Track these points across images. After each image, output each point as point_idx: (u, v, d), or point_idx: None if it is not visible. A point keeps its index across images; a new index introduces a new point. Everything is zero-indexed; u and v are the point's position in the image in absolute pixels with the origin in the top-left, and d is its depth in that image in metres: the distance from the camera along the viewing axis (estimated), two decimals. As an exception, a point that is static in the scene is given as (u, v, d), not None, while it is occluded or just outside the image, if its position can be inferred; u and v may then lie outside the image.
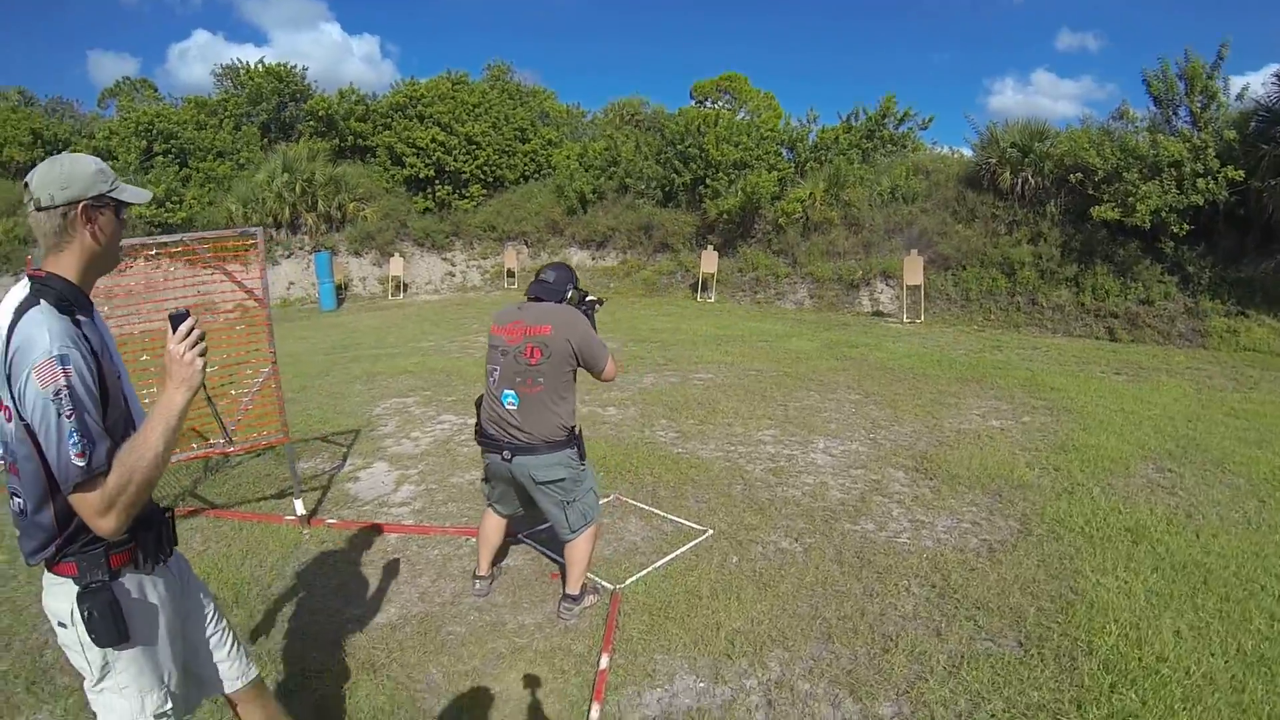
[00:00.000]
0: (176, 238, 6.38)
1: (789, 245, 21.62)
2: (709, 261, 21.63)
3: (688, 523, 6.20)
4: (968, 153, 21.58)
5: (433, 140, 27.83)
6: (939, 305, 18.37)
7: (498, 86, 32.21)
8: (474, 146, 28.11)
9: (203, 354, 2.22)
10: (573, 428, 4.55)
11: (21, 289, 2.22)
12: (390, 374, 12.49)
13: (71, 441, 2.03)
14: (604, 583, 5.17)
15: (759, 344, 14.41)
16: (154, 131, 27.76)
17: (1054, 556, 5.43)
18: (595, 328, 4.70)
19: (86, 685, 2.41)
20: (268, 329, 6.44)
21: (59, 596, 2.30)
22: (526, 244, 27.35)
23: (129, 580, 2.35)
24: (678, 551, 5.65)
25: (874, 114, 24.76)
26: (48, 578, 2.32)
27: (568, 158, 28.20)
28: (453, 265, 27.87)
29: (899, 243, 19.99)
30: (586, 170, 26.96)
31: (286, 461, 6.79)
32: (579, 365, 4.49)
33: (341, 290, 26.21)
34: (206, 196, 27.26)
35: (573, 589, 4.76)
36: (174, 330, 2.20)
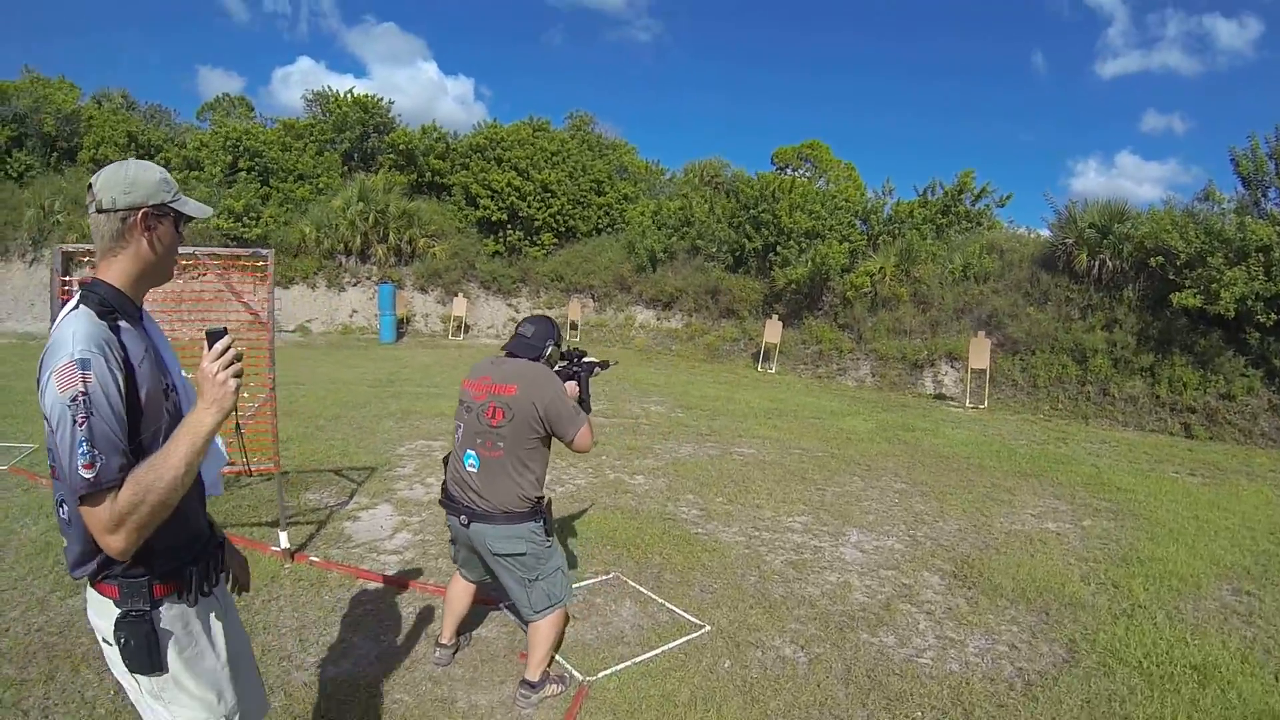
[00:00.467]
0: (190, 250, 6.25)
1: (855, 320, 20.83)
2: (773, 331, 20.89)
3: (685, 614, 5.52)
4: (1045, 233, 20.58)
5: (508, 184, 27.77)
6: (1004, 391, 17.33)
7: (578, 136, 32.18)
8: (549, 194, 27.98)
9: (238, 375, 2.10)
10: (538, 499, 4.16)
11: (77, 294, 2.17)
12: (426, 414, 12.34)
13: (81, 451, 1.92)
14: (574, 671, 4.63)
15: (811, 420, 13.57)
16: (240, 147, 28.22)
17: (1103, 696, 4.55)
18: (587, 391, 4.58)
19: (138, 701, 2.31)
20: (269, 354, 6.24)
21: (102, 614, 2.21)
22: (593, 297, 27.00)
23: (171, 611, 2.25)
24: (666, 647, 5.00)
25: (951, 189, 23.92)
26: (91, 593, 2.23)
27: (642, 214, 27.92)
28: (516, 311, 27.55)
29: (967, 323, 19.08)
30: (659, 228, 26.60)
31: (277, 492, 6.47)
32: (546, 432, 4.10)
33: (403, 324, 26.13)
34: (283, 216, 27.67)
35: (532, 675, 4.28)
36: (209, 347, 2.09)
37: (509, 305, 27.72)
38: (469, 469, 4.10)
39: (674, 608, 5.61)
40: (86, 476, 1.92)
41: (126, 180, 2.18)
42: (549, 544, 4.21)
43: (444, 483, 4.31)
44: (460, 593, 4.63)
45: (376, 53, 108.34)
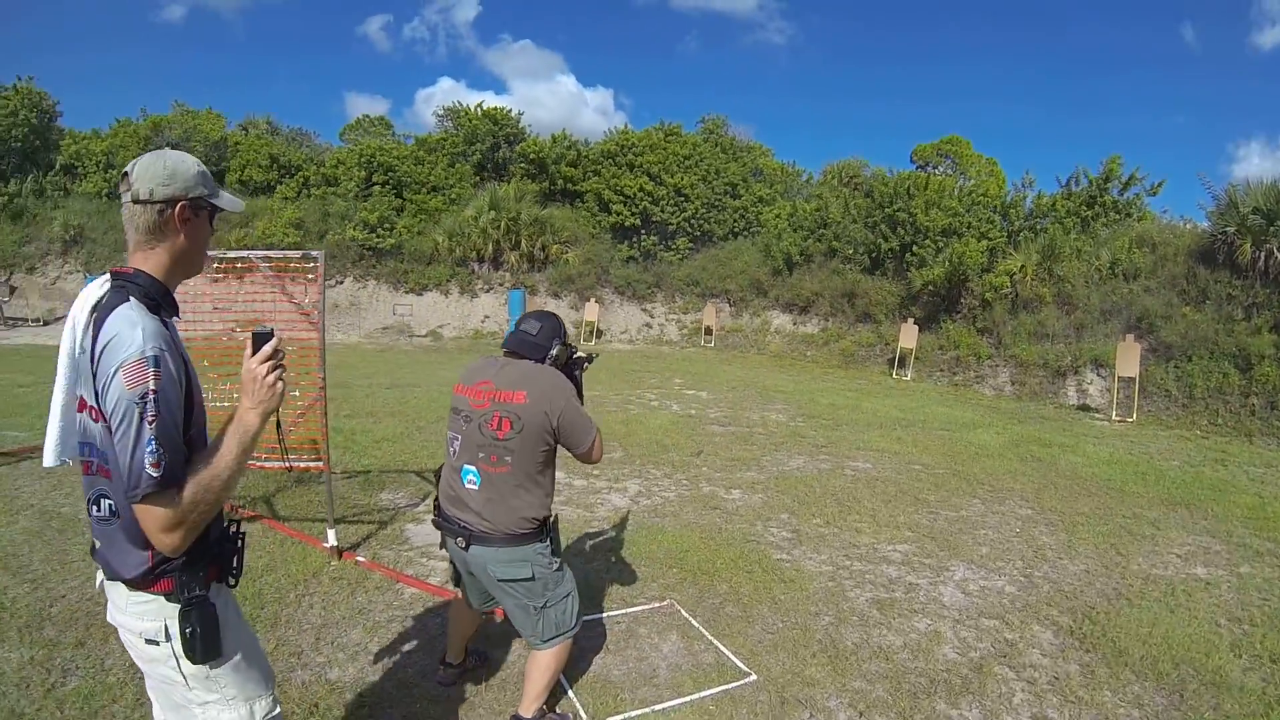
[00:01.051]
0: (244, 253, 6.50)
1: (994, 323, 19.23)
2: (908, 336, 19.57)
3: (734, 658, 4.77)
4: (1202, 224, 18.38)
5: (640, 190, 27.29)
6: (1155, 402, 15.34)
7: (711, 139, 31.45)
8: (682, 198, 27.38)
9: (282, 376, 2.16)
10: (544, 519, 3.68)
11: (100, 286, 2.20)
12: None
13: (150, 449, 1.94)
14: (581, 711, 4.16)
15: (939, 432, 12.36)
16: (375, 163, 29.17)
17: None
18: (581, 393, 3.88)
19: (187, 699, 2.32)
20: (319, 354, 6.18)
21: (147, 615, 2.19)
22: (729, 302, 26.14)
23: (220, 595, 2.29)
24: (697, 695, 4.34)
25: (1096, 178, 21.81)
26: (130, 596, 2.19)
27: (778, 216, 26.95)
28: (651, 316, 27.06)
29: (1115, 326, 17.16)
30: (795, 230, 25.56)
31: (326, 490, 6.41)
32: (557, 443, 3.64)
33: None
34: (417, 226, 28.34)
35: (526, 710, 3.83)
36: (256, 349, 2.13)
37: (644, 310, 27.22)
38: (468, 486, 3.61)
39: (723, 648, 4.89)
40: (154, 475, 1.93)
41: (166, 171, 2.15)
42: (557, 566, 3.76)
43: (436, 499, 3.84)
44: (462, 613, 4.23)
45: (515, 69, 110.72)
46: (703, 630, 5.09)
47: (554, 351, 3.72)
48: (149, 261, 2.17)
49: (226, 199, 2.35)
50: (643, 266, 27.62)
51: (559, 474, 8.16)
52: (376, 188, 28.95)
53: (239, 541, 2.40)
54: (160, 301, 2.15)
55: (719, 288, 26.19)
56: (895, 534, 7.24)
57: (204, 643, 2.18)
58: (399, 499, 7.77)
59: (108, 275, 2.21)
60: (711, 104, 71.64)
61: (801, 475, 9.28)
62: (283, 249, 26.91)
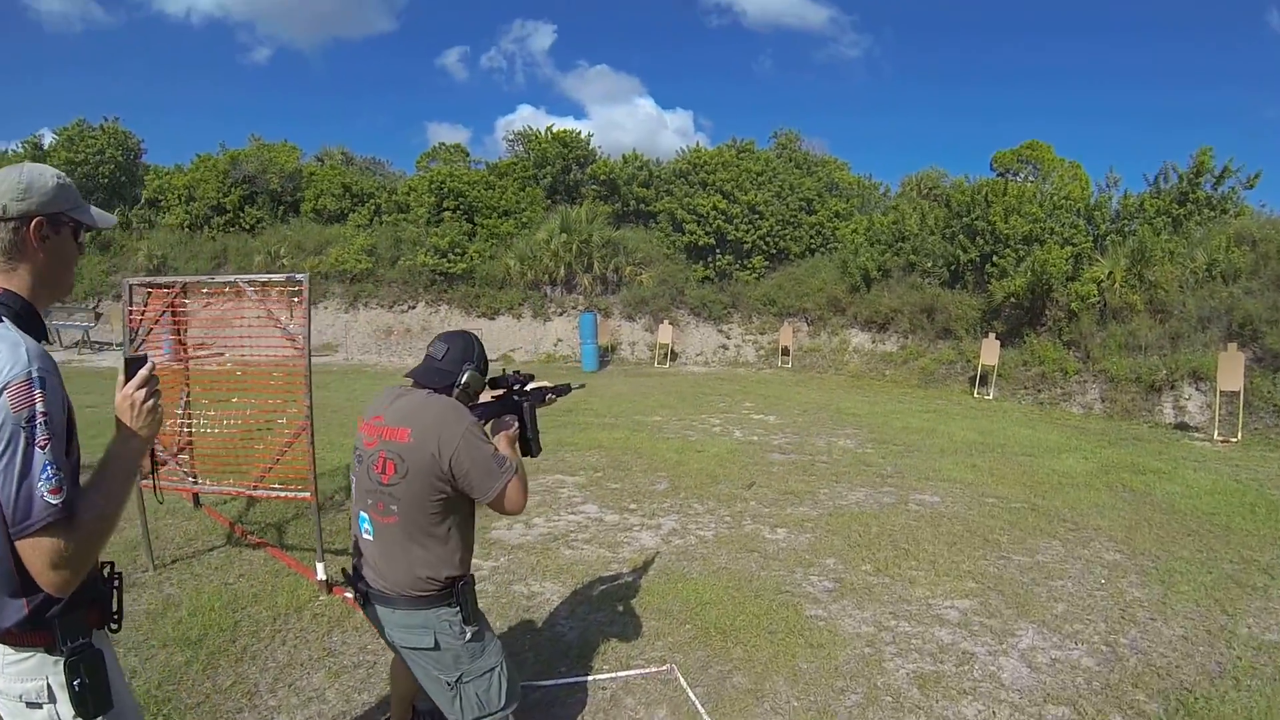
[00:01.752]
0: (230, 279, 6.53)
1: (1081, 335, 17.68)
2: (990, 352, 18.19)
3: None
4: None
5: (714, 208, 26.45)
6: (1263, 419, 13.59)
7: (784, 155, 30.71)
8: (756, 215, 26.46)
9: (158, 402, 2.06)
10: (454, 579, 3.04)
11: None
12: (579, 446, 11.35)
13: (45, 475, 1.78)
14: None
15: (1019, 458, 11.07)
16: (445, 189, 29.23)
17: None
18: (534, 429, 3.38)
19: None
20: (305, 381, 5.94)
21: (26, 674, 1.98)
22: (807, 321, 25.07)
23: (97, 640, 2.06)
24: None
25: (1186, 173, 19.99)
26: (5, 656, 1.97)
27: (854, 231, 25.87)
28: (727, 338, 26.07)
29: (1215, 334, 15.41)
30: (872, 245, 24.41)
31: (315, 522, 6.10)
32: (455, 490, 2.95)
33: (608, 353, 25.41)
34: (488, 251, 28.25)
35: None
36: (130, 375, 2.04)
37: (720, 331, 26.24)
38: (365, 536, 3.08)
39: (720, 730, 4.15)
40: (53, 502, 1.79)
41: (20, 186, 1.99)
42: (472, 636, 3.08)
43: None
44: (401, 669, 3.62)
45: (593, 94, 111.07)
46: (698, 706, 4.34)
47: (464, 379, 3.09)
48: (12, 281, 2.01)
49: (94, 214, 2.19)
50: (718, 287, 26.75)
51: (590, 508, 8.33)
52: (447, 213, 28.95)
53: (115, 583, 2.22)
54: (29, 324, 1.98)
55: (796, 306, 25.16)
56: (956, 585, 6.19)
57: (94, 695, 1.99)
58: None
59: None
60: (788, 120, 70.63)
61: (859, 511, 8.30)
62: (353, 274, 28.61)
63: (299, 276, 6.07)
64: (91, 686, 1.99)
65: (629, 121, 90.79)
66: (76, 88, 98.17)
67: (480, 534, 6.98)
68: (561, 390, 3.68)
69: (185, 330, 6.99)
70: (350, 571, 3.22)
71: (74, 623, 2.00)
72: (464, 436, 2.90)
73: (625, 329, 26.59)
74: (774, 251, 26.72)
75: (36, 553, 1.80)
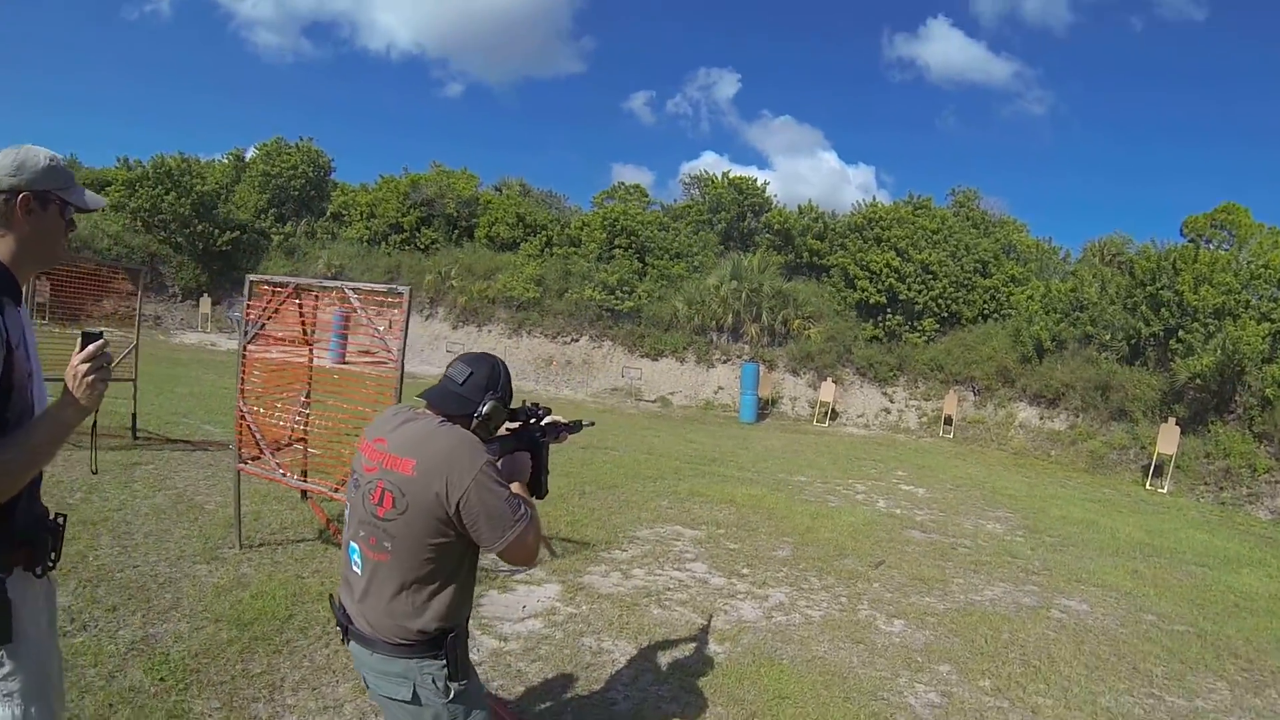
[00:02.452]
0: (336, 284, 6.71)
1: (1277, 427, 16.67)
2: (1168, 439, 17.40)
3: None
4: None
5: (886, 265, 26.56)
6: None
7: (961, 213, 30.60)
8: (929, 275, 26.42)
9: (104, 380, 2.19)
10: (444, 632, 2.69)
11: None
12: (710, 499, 11.19)
13: None
14: None
15: (1190, 568, 10.06)
16: (618, 227, 30.29)
17: None
18: (541, 473, 3.11)
19: None
20: (395, 393, 6.14)
21: None
22: (973, 390, 24.69)
23: (18, 580, 2.27)
24: None
25: None
26: None
27: (1030, 297, 25.33)
28: (890, 401, 25.90)
29: None
30: (1048, 313, 23.81)
31: None
32: (460, 534, 2.62)
33: (767, 405, 25.58)
34: (657, 291, 28.91)
35: None
36: (84, 348, 2.16)
37: (884, 394, 26.04)
38: (353, 568, 2.76)
39: None
40: None
41: (14, 163, 2.23)
42: (455, 696, 2.71)
43: None
44: None
45: (776, 145, 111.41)
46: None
47: (485, 409, 2.77)
48: None
49: (81, 195, 2.41)
50: (886, 347, 26.62)
51: (699, 566, 7.99)
52: (619, 250, 29.81)
53: (57, 532, 2.43)
54: (4, 287, 2.21)
55: (963, 374, 24.79)
56: (1087, 726, 5.74)
57: None
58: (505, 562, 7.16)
59: None
60: (969, 178, 69.35)
61: (991, 611, 7.50)
62: (519, 301, 30.00)
63: (400, 289, 6.19)
64: None
65: (812, 175, 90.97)
66: (280, 110, 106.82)
67: (573, 576, 7.15)
68: (574, 428, 3.45)
69: (312, 329, 7.20)
70: (333, 599, 2.96)
71: None
72: (477, 477, 2.57)
73: (788, 383, 26.70)
74: (945, 314, 26.50)
75: None
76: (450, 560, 2.66)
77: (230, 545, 6.75)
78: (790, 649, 6.07)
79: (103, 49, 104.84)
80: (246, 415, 6.85)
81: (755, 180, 32.11)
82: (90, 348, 2.14)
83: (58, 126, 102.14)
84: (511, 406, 2.98)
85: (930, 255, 26.25)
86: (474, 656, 5.02)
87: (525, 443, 3.04)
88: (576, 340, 29.05)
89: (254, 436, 6.83)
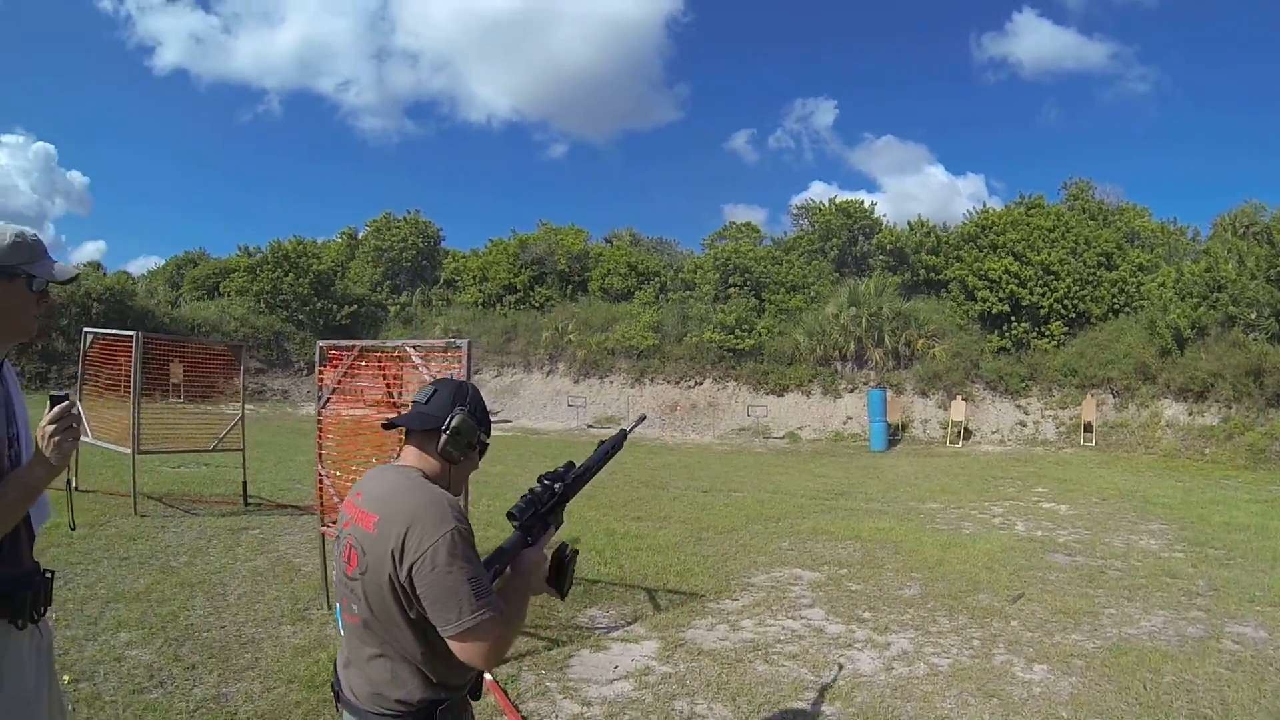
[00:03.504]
0: (397, 343, 7.08)
1: None
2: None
3: None
4: None
5: (1005, 271, 26.13)
6: None
7: (1076, 207, 30.01)
8: (1051, 276, 25.88)
9: (71, 439, 2.28)
10: (432, 703, 2.38)
11: None
12: (835, 536, 10.79)
13: None
14: None
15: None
16: (730, 265, 30.75)
17: None
18: (571, 570, 2.66)
19: None
20: None
21: None
22: (1112, 393, 23.96)
23: None
24: None
25: None
26: None
27: (1161, 285, 24.62)
28: (1025, 413, 25.33)
29: None
30: (1183, 299, 22.96)
31: None
32: (414, 607, 2.28)
33: (898, 431, 25.33)
34: (776, 327, 29.14)
35: None
36: (50, 410, 2.28)
37: (1017, 407, 25.46)
38: (341, 630, 2.59)
39: None
40: None
41: None
42: None
43: None
44: None
45: (882, 166, 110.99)
46: None
47: (454, 421, 2.47)
48: None
49: (47, 268, 2.47)
50: (1015, 357, 26.17)
51: (815, 613, 7.39)
52: (734, 289, 30.23)
53: (43, 587, 2.50)
54: None
55: (1099, 376, 24.11)
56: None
57: None
58: (604, 618, 7.07)
59: None
60: (1080, 169, 67.26)
61: (1150, 647, 6.47)
62: (639, 350, 30.62)
63: (459, 342, 6.28)
64: None
65: (921, 191, 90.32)
66: (389, 187, 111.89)
67: (674, 631, 6.73)
68: (613, 446, 2.94)
69: (399, 390, 7.08)
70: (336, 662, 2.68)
71: None
72: (438, 543, 2.23)
73: (917, 405, 26.44)
74: (1073, 315, 25.93)
75: None
76: (416, 629, 2.33)
77: (319, 606, 6.91)
78: (911, 708, 5.35)
79: (221, 149, 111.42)
80: (325, 479, 7.03)
81: (862, 203, 32.43)
82: (56, 409, 2.25)
83: (187, 223, 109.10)
84: (481, 435, 2.60)
85: (1049, 255, 25.69)
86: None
87: (539, 520, 2.60)
88: (700, 383, 29.36)
89: (334, 500, 6.91)
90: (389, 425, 2.70)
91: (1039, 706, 5.32)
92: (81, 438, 2.36)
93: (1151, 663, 6.10)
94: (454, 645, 2.26)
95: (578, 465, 2.78)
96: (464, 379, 3.07)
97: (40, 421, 2.27)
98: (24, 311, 2.45)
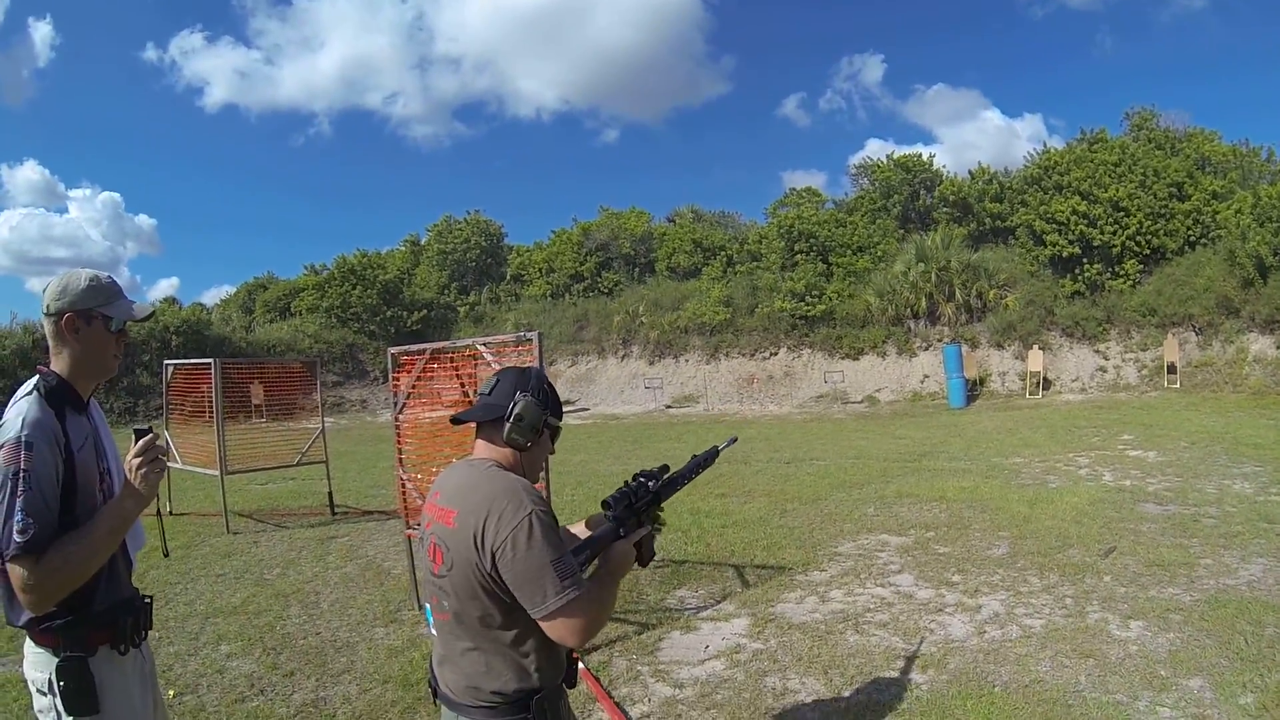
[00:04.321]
0: (467, 342, 7.04)
1: None
2: None
3: None
4: None
5: (1073, 212, 25.62)
6: None
7: (1141, 138, 29.21)
8: (1121, 213, 25.28)
9: (157, 470, 2.39)
10: (528, 693, 2.40)
11: (34, 379, 2.54)
12: (921, 498, 10.75)
13: (17, 519, 2.24)
14: None
15: None
16: (795, 233, 30.68)
17: None
18: (651, 549, 2.70)
19: None
20: None
21: (38, 665, 2.48)
22: (1195, 330, 23.42)
23: (104, 657, 2.50)
24: None
25: None
26: (29, 645, 2.52)
27: (1238, 212, 23.74)
28: (1105, 358, 24.92)
29: None
30: (1263, 225, 22.14)
31: None
32: (503, 594, 2.33)
33: (976, 386, 25.13)
34: (847, 290, 29.10)
35: None
36: (134, 443, 2.39)
37: (1096, 352, 25.05)
38: (432, 630, 2.66)
39: None
40: (19, 540, 2.23)
41: (58, 288, 2.52)
42: None
43: None
44: None
45: (936, 116, 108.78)
46: None
47: (516, 408, 2.47)
48: (57, 364, 2.54)
49: (123, 308, 2.63)
50: (1090, 301, 25.68)
51: (904, 578, 7.31)
52: (800, 256, 30.18)
53: (143, 612, 2.70)
54: (63, 398, 2.49)
55: (1179, 313, 23.62)
56: None
57: (77, 699, 2.42)
58: (693, 598, 7.08)
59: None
60: (1142, 98, 65.36)
61: (1250, 598, 6.19)
62: (711, 325, 31.17)
63: (529, 335, 6.31)
64: (75, 691, 2.42)
65: (979, 139, 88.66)
66: (447, 191, 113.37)
67: (764, 607, 6.71)
68: (705, 462, 2.99)
69: (474, 390, 6.86)
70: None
71: (76, 637, 2.45)
72: (519, 527, 2.27)
73: (994, 358, 26.22)
74: (1147, 252, 25.32)
75: (11, 576, 2.28)
76: (519, 614, 2.35)
77: (410, 607, 7.08)
78: (1005, 671, 5.22)
79: (278, 175, 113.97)
80: (406, 483, 7.16)
81: (921, 156, 31.90)
82: (140, 443, 2.37)
83: (254, 250, 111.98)
84: (548, 417, 2.58)
85: (1118, 191, 25.08)
86: (643, 708, 4.97)
87: (626, 519, 2.63)
88: (775, 354, 29.44)
89: (418, 502, 6.99)
90: (456, 421, 2.70)
91: (1136, 665, 5.16)
92: (171, 464, 2.52)
93: (1252, 614, 5.86)
94: (544, 626, 2.32)
95: (671, 470, 2.81)
96: (530, 367, 2.95)
97: (127, 455, 2.39)
98: (104, 351, 2.61)
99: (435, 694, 2.56)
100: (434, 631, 2.60)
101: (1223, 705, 4.58)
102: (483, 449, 2.57)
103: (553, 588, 2.25)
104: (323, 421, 12.81)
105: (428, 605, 2.78)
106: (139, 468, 2.36)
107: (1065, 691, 4.87)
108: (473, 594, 2.34)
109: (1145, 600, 6.33)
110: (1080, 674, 5.09)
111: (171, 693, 5.27)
